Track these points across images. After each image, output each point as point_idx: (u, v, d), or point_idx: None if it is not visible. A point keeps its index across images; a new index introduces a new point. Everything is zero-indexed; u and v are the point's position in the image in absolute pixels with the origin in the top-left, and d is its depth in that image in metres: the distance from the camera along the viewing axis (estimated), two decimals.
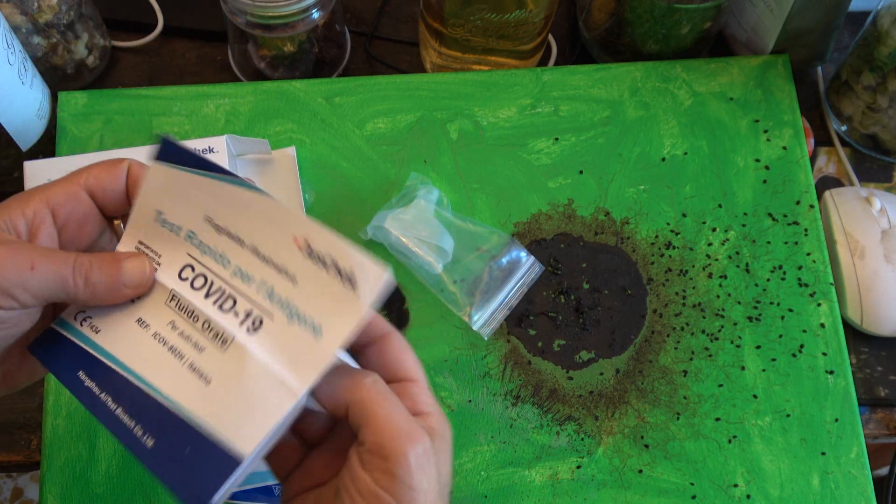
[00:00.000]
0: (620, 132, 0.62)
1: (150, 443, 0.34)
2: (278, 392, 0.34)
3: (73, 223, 0.37)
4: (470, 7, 0.58)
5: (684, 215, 0.60)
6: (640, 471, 0.54)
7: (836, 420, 0.55)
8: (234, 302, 0.36)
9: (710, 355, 0.56)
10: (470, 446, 0.54)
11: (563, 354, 0.56)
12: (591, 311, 0.57)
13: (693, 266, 0.59)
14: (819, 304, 0.57)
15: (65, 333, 0.38)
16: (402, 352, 0.37)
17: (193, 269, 0.37)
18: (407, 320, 0.57)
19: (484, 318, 0.56)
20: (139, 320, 0.37)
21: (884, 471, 0.60)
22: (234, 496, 0.52)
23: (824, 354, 0.56)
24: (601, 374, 0.56)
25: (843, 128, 0.66)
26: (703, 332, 0.57)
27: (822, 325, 0.57)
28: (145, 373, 0.36)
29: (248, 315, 0.36)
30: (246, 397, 0.34)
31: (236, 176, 0.36)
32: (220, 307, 0.36)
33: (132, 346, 0.37)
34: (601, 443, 0.54)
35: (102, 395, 0.36)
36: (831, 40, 0.64)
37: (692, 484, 0.54)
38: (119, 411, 0.35)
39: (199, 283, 0.37)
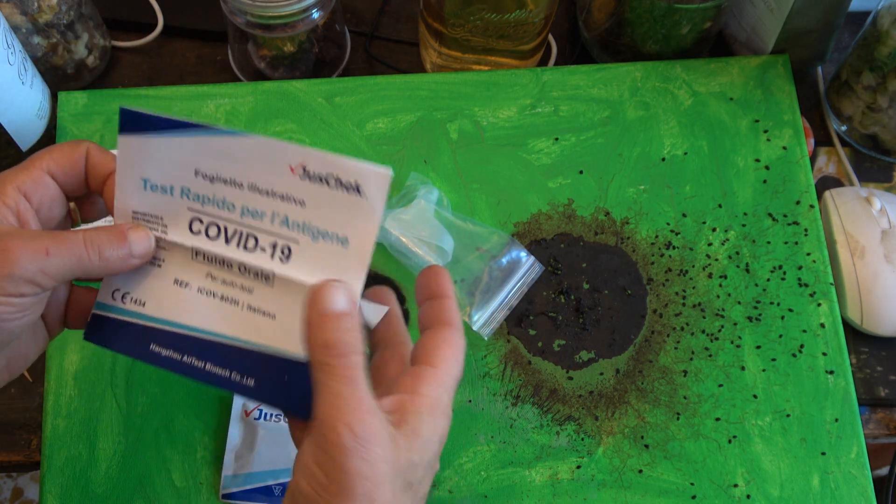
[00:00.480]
0: (620, 132, 0.62)
1: (251, 383, 0.36)
2: None
3: (44, 208, 0.38)
4: (470, 7, 0.58)
5: (684, 215, 0.60)
6: (640, 471, 0.54)
7: (836, 420, 0.55)
8: (256, 240, 0.37)
9: (710, 355, 0.56)
10: (470, 446, 0.54)
11: (563, 354, 0.56)
12: (591, 311, 0.57)
13: (693, 266, 0.59)
14: (819, 304, 0.57)
15: (113, 315, 0.39)
16: (442, 284, 0.39)
17: (202, 221, 0.38)
18: (407, 320, 0.57)
19: (484, 318, 0.56)
20: (176, 281, 0.38)
21: (884, 471, 0.60)
22: (234, 496, 0.52)
23: (824, 354, 0.56)
24: (601, 374, 0.56)
25: (843, 128, 0.66)
26: (703, 332, 0.57)
27: (822, 325, 0.57)
28: (212, 326, 0.37)
29: (274, 247, 0.36)
30: None
31: (210, 125, 0.36)
32: (245, 248, 0.37)
33: (184, 307, 0.38)
34: (601, 443, 0.54)
35: (185, 358, 0.37)
36: (831, 40, 0.64)
37: (692, 484, 0.54)
38: (209, 366, 0.37)
39: (213, 232, 0.37)
